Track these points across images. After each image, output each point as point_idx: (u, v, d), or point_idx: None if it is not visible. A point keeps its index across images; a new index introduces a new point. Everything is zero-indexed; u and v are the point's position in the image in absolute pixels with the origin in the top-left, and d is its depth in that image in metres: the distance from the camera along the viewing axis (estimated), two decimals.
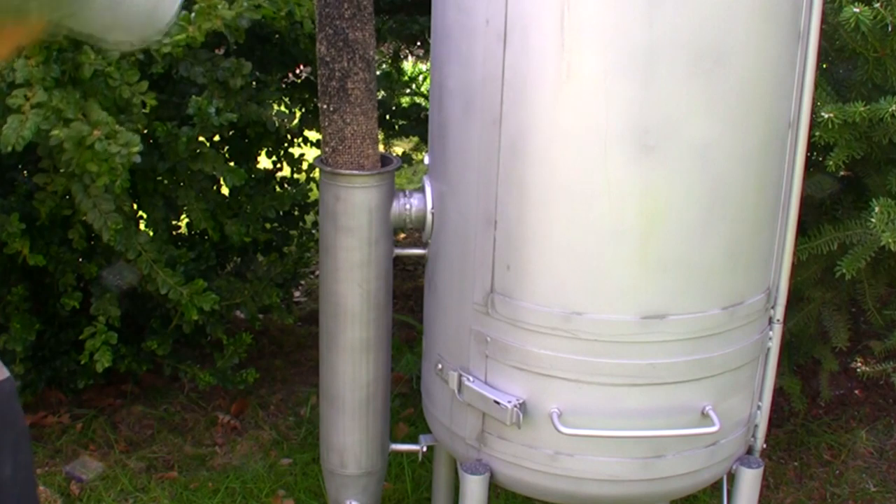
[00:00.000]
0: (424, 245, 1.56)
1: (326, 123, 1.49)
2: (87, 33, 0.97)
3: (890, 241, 1.74)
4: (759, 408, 1.54)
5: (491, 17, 1.30)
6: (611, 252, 1.31)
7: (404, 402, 2.66)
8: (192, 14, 1.92)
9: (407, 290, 3.42)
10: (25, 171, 2.31)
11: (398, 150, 4.27)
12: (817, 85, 1.78)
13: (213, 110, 2.07)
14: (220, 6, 1.92)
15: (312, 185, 2.63)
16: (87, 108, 1.84)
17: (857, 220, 1.94)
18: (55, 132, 1.78)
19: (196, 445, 2.48)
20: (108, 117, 1.82)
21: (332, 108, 1.48)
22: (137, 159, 1.83)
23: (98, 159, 1.82)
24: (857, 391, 2.76)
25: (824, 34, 1.86)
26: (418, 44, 3.48)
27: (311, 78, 2.64)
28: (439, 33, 1.46)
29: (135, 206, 2.38)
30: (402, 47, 3.55)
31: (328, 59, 1.47)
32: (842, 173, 2.10)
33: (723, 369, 1.41)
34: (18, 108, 1.78)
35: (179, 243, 2.61)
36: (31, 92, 1.78)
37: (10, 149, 1.76)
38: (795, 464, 2.44)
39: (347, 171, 1.47)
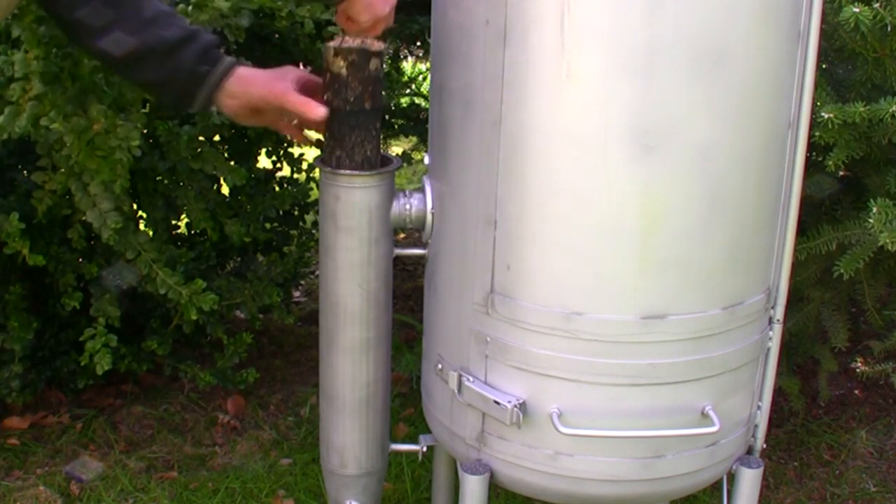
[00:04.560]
0: (424, 245, 1.56)
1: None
2: None
3: (888, 241, 1.74)
4: (759, 408, 1.54)
5: (491, 17, 1.30)
6: (611, 252, 1.31)
7: (404, 402, 2.66)
8: (189, 7, 1.91)
9: (407, 290, 3.42)
10: (25, 171, 2.31)
11: (397, 150, 4.27)
12: (817, 85, 1.78)
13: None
14: None
15: (312, 185, 2.63)
16: (86, 103, 1.83)
17: (856, 221, 1.94)
18: (55, 125, 1.77)
19: (196, 445, 2.48)
20: (108, 111, 1.81)
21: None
22: (137, 153, 1.82)
23: (97, 154, 1.82)
24: (856, 391, 2.76)
25: (824, 34, 1.86)
26: (418, 44, 3.48)
27: None
28: (439, 33, 1.46)
29: (134, 206, 2.38)
30: (402, 47, 3.55)
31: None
32: (841, 173, 2.11)
33: (723, 369, 1.41)
34: (17, 100, 1.78)
35: (179, 243, 2.61)
36: (29, 85, 1.78)
37: (5, 136, 1.75)
38: (795, 464, 2.44)
39: (347, 171, 1.47)
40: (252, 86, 1.43)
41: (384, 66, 1.47)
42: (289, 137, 2.64)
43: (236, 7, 1.95)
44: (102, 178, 1.88)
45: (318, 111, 1.42)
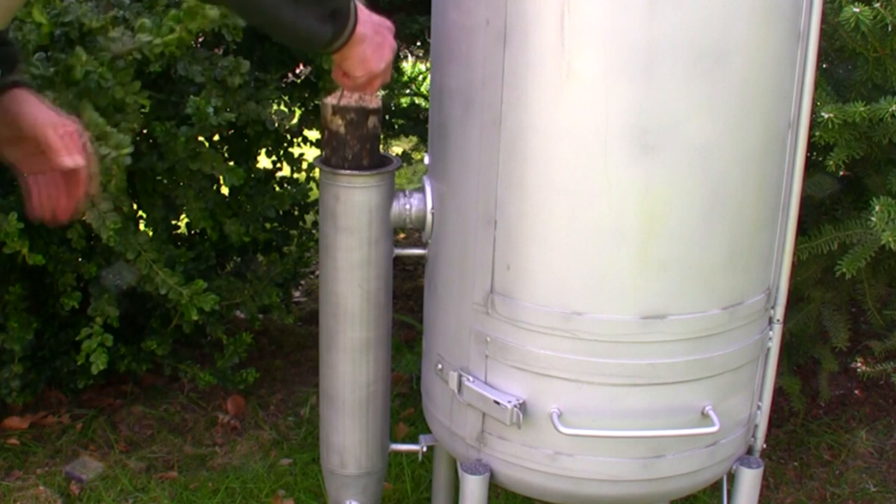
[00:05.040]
0: (424, 245, 1.56)
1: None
2: None
3: (890, 240, 1.74)
4: (759, 408, 1.54)
5: (491, 17, 1.30)
6: (611, 252, 1.31)
7: (404, 402, 2.66)
8: (181, 13, 1.92)
9: (407, 290, 3.42)
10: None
11: (398, 150, 4.27)
12: (817, 85, 1.78)
13: (211, 110, 2.07)
14: (207, 6, 1.91)
15: (312, 185, 2.63)
16: (80, 108, 1.83)
17: (857, 220, 1.94)
18: None
19: (196, 445, 2.48)
20: (100, 119, 1.81)
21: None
22: (128, 161, 1.83)
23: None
24: (857, 391, 2.76)
25: (824, 34, 1.86)
26: (418, 44, 3.48)
27: (311, 77, 2.64)
28: (439, 33, 1.46)
29: (134, 206, 2.38)
30: (402, 47, 3.55)
31: None
32: (842, 173, 2.10)
33: (723, 369, 1.41)
34: None
35: (179, 243, 2.61)
36: None
37: None
38: (795, 464, 2.44)
39: (347, 172, 1.47)
40: (18, 105, 1.25)
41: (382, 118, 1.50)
42: (288, 136, 2.66)
43: (225, 16, 1.95)
44: (98, 180, 1.88)
45: (68, 160, 1.22)
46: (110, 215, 2.00)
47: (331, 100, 1.46)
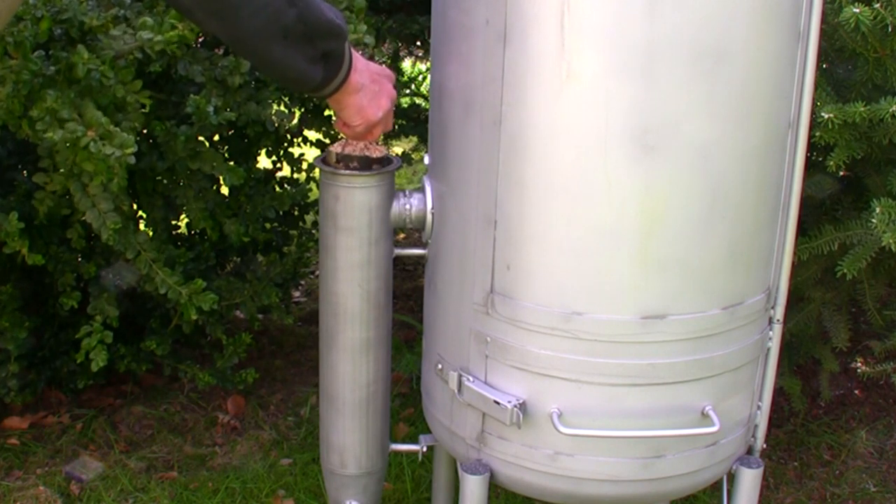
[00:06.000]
0: (424, 245, 1.56)
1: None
2: None
3: (891, 241, 1.74)
4: (759, 408, 1.54)
5: (491, 17, 1.30)
6: (611, 252, 1.31)
7: (404, 402, 2.66)
8: None
9: (407, 290, 3.42)
10: (25, 171, 2.31)
11: (398, 150, 4.26)
12: (817, 85, 1.78)
13: (211, 109, 2.07)
14: None
15: (312, 185, 2.62)
16: (82, 107, 1.83)
17: (858, 221, 1.94)
18: (49, 134, 1.77)
19: (196, 445, 2.48)
20: (103, 118, 1.81)
21: None
22: (132, 160, 1.83)
23: (93, 160, 1.82)
24: (857, 391, 2.76)
25: (824, 34, 1.86)
26: (418, 44, 3.48)
27: None
28: (439, 33, 1.46)
29: (134, 206, 2.38)
30: (402, 47, 3.55)
31: None
32: (842, 173, 2.10)
33: (723, 369, 1.41)
34: None
35: (179, 243, 2.61)
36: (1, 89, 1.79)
37: None
38: (795, 464, 2.44)
39: (347, 171, 1.47)
40: None
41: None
42: (289, 136, 2.66)
43: None
44: (101, 179, 1.88)
45: None
46: (110, 215, 2.00)
47: (335, 148, 1.48)
